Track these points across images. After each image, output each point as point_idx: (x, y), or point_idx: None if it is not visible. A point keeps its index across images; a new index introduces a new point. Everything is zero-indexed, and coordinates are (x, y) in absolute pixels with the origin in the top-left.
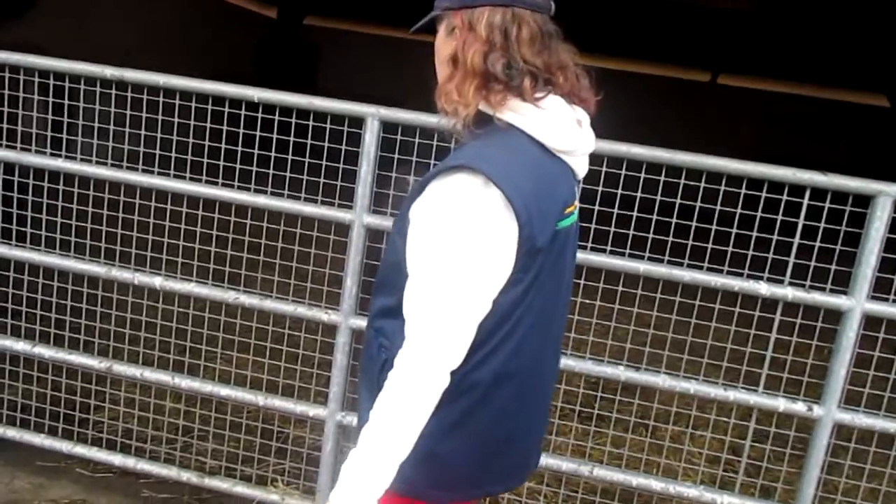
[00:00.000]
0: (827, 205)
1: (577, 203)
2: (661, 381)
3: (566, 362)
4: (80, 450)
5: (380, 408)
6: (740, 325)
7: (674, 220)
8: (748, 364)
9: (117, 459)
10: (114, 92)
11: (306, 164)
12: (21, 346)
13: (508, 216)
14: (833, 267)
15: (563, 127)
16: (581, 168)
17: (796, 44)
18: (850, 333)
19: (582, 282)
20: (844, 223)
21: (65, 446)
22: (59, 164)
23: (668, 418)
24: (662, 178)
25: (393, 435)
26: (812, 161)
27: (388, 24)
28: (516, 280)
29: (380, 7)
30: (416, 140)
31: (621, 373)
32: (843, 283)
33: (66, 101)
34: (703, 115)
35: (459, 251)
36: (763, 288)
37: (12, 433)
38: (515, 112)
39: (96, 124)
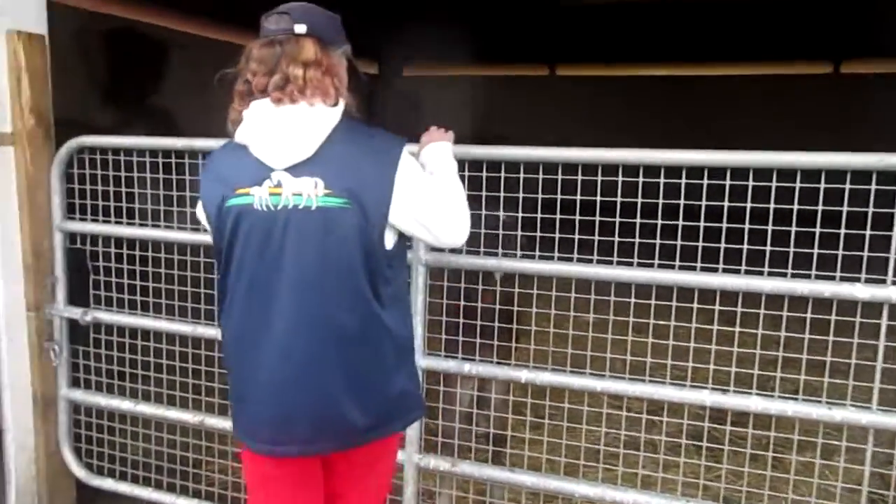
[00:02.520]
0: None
1: None
2: (798, 408)
3: (680, 394)
4: (183, 502)
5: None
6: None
7: (724, 224)
8: (845, 376)
9: None
10: None
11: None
12: (126, 404)
13: None
14: None
15: None
16: None
17: None
18: None
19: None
20: None
21: (169, 499)
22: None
23: (787, 444)
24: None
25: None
26: None
27: (481, 62)
28: None
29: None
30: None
31: (752, 402)
32: None
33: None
34: None
35: None
36: (859, 290)
37: (124, 488)
38: None
39: None
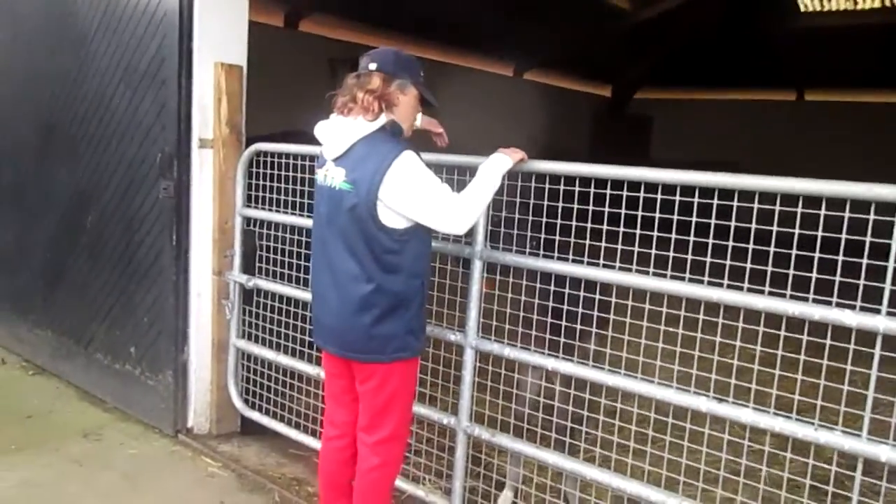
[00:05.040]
0: None
1: None
2: None
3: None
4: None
5: (477, 190)
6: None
7: (730, 243)
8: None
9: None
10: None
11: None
12: (270, 354)
13: None
14: None
15: None
16: None
17: None
18: None
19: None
20: None
21: (306, 440)
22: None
23: None
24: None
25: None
26: None
27: (718, 87)
28: None
29: (709, 72)
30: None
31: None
32: None
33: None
34: None
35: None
36: (848, 317)
37: (270, 423)
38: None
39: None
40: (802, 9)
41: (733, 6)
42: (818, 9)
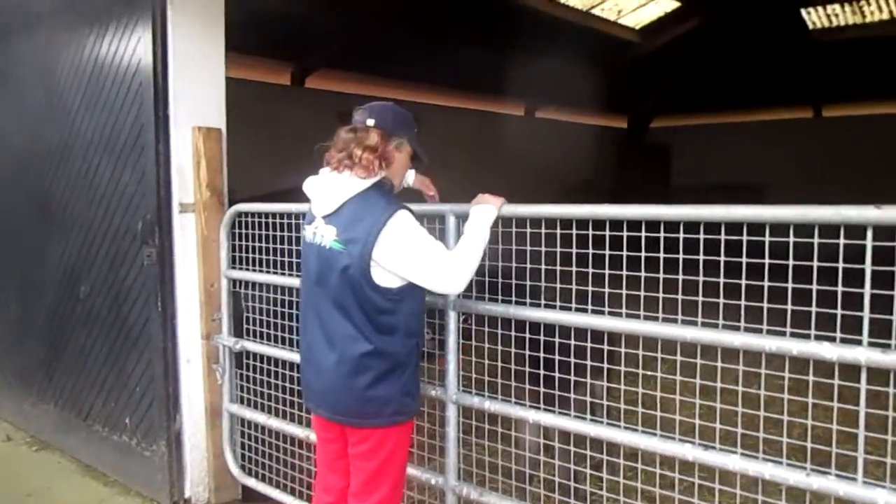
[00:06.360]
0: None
1: None
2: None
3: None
4: None
5: (470, 247)
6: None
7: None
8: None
9: None
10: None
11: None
12: (261, 418)
13: None
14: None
15: None
16: None
17: None
18: None
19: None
20: None
21: None
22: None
23: None
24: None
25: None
26: None
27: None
28: None
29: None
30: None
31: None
32: None
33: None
34: None
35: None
36: (827, 350)
37: (267, 490)
38: None
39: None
40: (810, 26)
41: (741, 29)
42: (826, 25)
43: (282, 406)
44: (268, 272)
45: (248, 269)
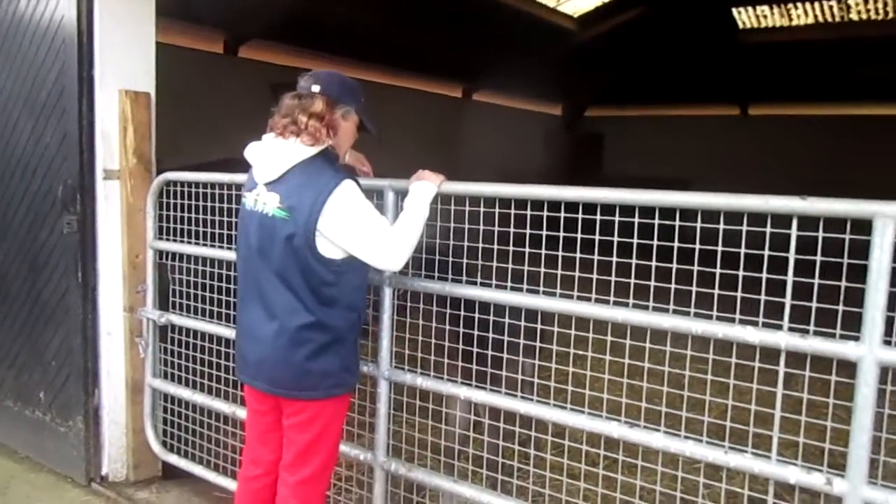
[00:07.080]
0: (820, 234)
1: None
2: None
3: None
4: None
5: (410, 224)
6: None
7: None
8: (749, 424)
9: None
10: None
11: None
12: (186, 393)
13: None
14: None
15: None
16: None
17: None
18: (864, 389)
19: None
20: (846, 254)
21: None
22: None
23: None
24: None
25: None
26: None
27: (665, 103)
28: None
29: (656, 89)
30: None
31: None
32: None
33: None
34: None
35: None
36: (750, 334)
37: (188, 466)
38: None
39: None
40: (741, 25)
41: (676, 24)
42: (755, 25)
43: (207, 381)
44: (197, 244)
45: (176, 241)
